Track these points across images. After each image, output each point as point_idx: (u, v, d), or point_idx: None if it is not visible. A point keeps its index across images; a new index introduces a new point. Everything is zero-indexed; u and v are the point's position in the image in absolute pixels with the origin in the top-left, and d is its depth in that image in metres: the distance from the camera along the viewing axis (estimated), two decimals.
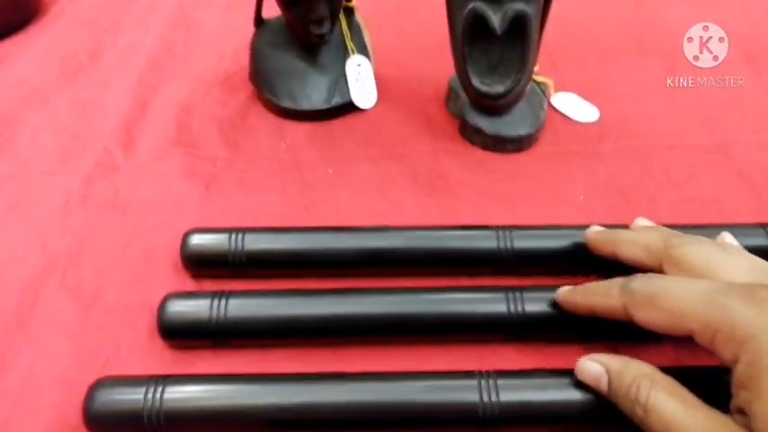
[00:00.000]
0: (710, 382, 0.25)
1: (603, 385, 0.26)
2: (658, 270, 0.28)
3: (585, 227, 0.35)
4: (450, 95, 0.46)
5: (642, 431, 0.24)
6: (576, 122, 0.45)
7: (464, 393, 0.27)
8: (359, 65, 0.46)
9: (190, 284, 0.34)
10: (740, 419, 0.22)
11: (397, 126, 0.45)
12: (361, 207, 0.39)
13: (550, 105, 0.46)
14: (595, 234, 0.32)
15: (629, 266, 0.30)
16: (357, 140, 0.44)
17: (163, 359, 0.31)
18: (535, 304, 0.31)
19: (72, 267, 0.35)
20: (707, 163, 0.42)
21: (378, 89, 0.46)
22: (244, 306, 0.31)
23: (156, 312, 0.31)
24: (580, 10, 0.56)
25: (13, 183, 0.40)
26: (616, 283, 0.28)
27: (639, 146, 0.43)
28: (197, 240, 0.34)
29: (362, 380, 0.28)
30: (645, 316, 0.26)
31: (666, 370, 0.25)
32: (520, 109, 0.43)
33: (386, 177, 0.41)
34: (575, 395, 0.27)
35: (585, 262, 0.33)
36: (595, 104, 0.46)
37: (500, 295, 0.31)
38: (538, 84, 0.45)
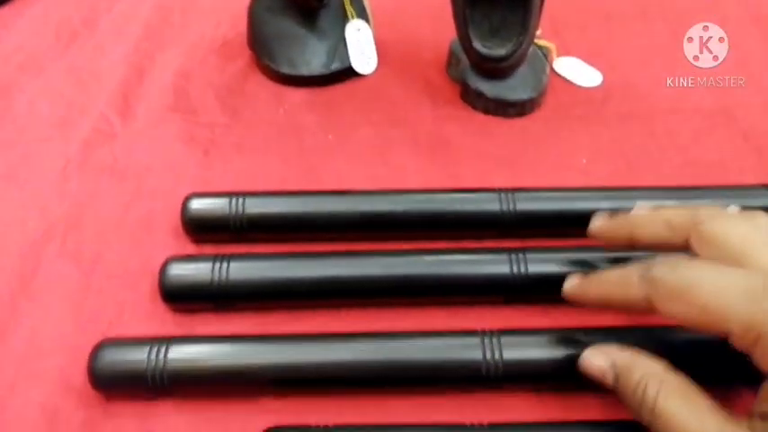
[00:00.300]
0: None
1: (609, 381, 0.25)
2: (682, 248, 0.25)
3: (589, 190, 0.35)
4: (452, 60, 0.45)
5: None
6: (579, 87, 0.45)
7: (467, 351, 0.27)
8: (358, 29, 0.45)
9: (190, 249, 0.34)
10: (761, 427, 0.21)
11: (397, 91, 0.44)
12: (361, 173, 0.38)
13: (553, 70, 0.45)
14: (603, 222, 0.28)
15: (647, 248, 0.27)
16: (357, 106, 0.43)
17: (165, 322, 0.31)
18: (538, 265, 0.31)
19: (72, 232, 0.35)
20: (711, 126, 0.42)
21: (378, 54, 0.45)
22: (245, 269, 0.31)
23: (157, 276, 0.31)
24: None
25: (11, 149, 0.40)
26: (634, 270, 0.24)
27: (643, 110, 0.43)
28: (197, 205, 0.34)
29: (365, 339, 0.28)
30: (673, 310, 0.23)
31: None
32: (522, 73, 0.42)
33: (387, 143, 0.40)
34: (578, 353, 0.27)
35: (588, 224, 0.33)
36: (598, 69, 0.45)
37: (503, 256, 0.31)
38: (540, 48, 0.45)
